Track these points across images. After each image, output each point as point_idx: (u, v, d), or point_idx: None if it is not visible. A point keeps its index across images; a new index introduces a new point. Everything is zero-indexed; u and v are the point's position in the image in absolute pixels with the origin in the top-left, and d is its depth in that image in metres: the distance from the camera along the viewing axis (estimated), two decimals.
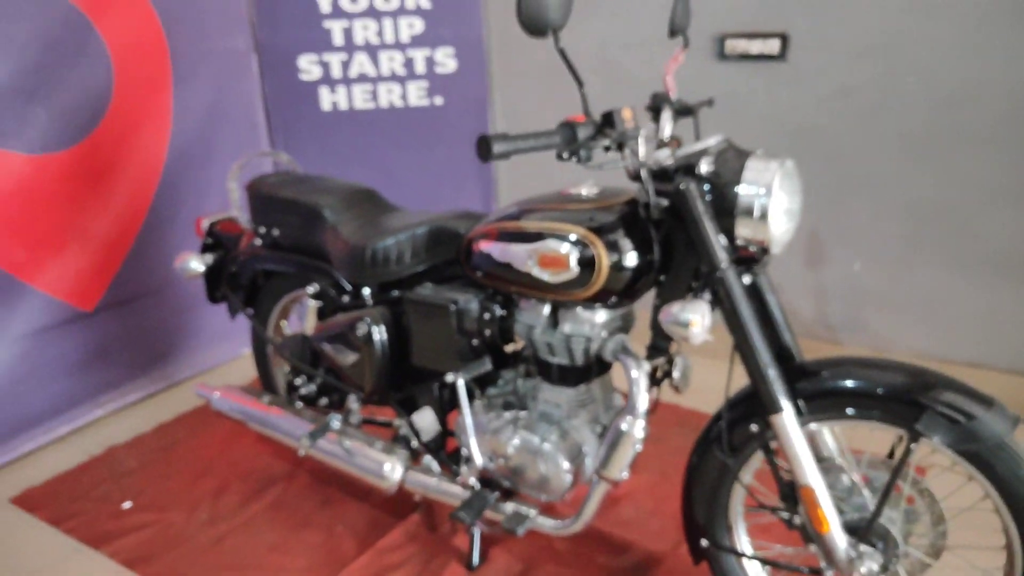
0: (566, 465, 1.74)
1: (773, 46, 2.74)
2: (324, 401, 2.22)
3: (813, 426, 1.57)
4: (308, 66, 3.32)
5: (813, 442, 1.62)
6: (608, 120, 1.46)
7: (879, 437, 1.52)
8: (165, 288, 3.04)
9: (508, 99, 3.46)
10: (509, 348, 1.93)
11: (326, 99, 3.37)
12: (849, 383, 1.49)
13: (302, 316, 2.28)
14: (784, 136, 2.84)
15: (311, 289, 2.07)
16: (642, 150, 1.48)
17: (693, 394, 1.94)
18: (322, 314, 2.11)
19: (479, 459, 1.84)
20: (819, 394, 1.51)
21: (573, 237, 1.57)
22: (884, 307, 2.84)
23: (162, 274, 3.00)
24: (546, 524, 1.80)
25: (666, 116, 1.59)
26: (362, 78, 3.35)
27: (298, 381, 2.21)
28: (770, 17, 2.74)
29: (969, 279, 2.65)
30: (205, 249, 2.34)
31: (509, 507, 1.83)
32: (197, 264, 2.26)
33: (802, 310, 2.99)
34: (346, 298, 2.02)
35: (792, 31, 2.71)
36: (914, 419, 1.41)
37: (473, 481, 1.87)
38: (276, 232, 2.14)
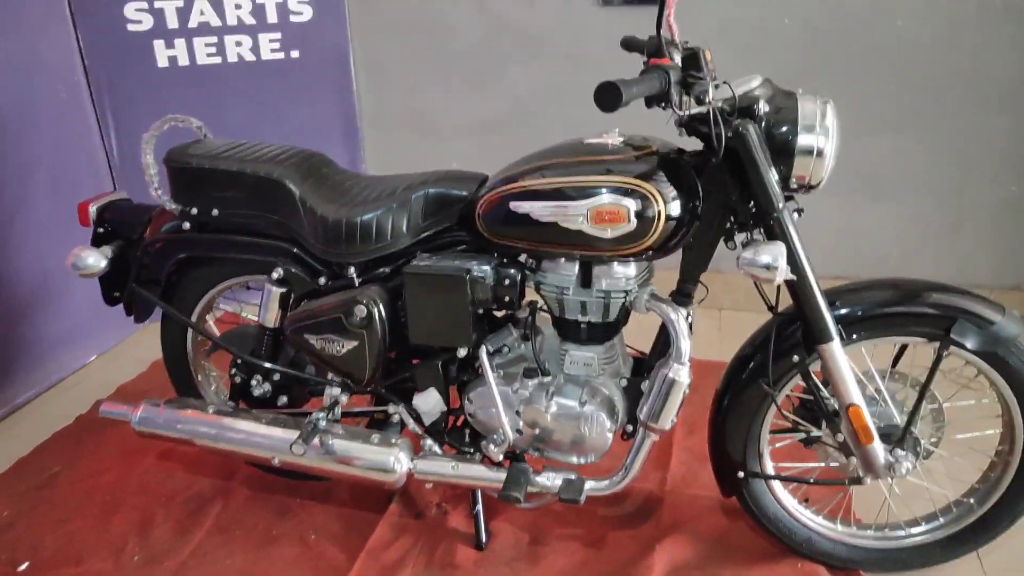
0: (608, 424, 1.68)
1: None
2: (283, 400, 1.94)
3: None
4: (137, 15, 2.80)
5: None
6: (694, 61, 1.40)
7: (880, 352, 1.66)
8: None
9: (371, 52, 3.19)
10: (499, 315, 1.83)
11: (162, 54, 2.87)
12: (881, 305, 1.60)
13: (249, 306, 1.95)
14: None
15: (276, 274, 1.77)
16: (711, 92, 1.42)
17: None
18: (284, 301, 1.82)
19: (510, 433, 1.72)
20: (857, 319, 1.61)
21: (634, 190, 1.49)
22: None
23: None
24: (596, 486, 1.74)
25: (706, 59, 1.52)
26: (204, 29, 2.89)
27: (253, 381, 1.90)
28: None
29: (835, 198, 2.95)
30: (98, 240, 1.90)
31: (550, 477, 1.74)
32: (96, 259, 1.83)
33: None
34: (323, 280, 1.76)
35: None
36: (946, 329, 1.56)
37: (501, 457, 1.75)
38: (215, 211, 1.79)
